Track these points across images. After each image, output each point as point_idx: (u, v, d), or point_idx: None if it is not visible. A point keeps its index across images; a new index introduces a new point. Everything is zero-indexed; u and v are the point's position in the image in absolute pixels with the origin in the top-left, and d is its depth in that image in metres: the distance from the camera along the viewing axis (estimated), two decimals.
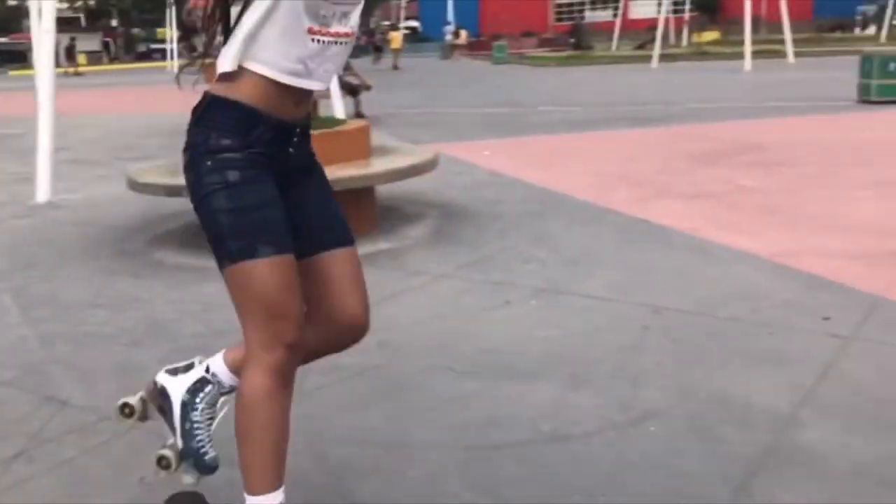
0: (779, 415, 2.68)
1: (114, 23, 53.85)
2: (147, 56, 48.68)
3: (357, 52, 34.38)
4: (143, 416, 2.16)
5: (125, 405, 2.16)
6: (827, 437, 2.53)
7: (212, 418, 1.99)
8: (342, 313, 1.92)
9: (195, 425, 1.97)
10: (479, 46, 43.63)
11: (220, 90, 1.75)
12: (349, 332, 1.98)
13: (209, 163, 1.73)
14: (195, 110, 1.81)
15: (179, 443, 2.00)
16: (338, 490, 2.34)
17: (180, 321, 3.78)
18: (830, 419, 2.64)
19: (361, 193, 5.18)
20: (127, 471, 2.45)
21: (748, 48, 23.11)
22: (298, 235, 1.80)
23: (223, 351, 2.06)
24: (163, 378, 2.08)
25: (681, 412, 2.72)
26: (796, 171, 7.18)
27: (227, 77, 1.74)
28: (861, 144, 8.72)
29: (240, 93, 1.73)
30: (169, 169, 5.30)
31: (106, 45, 50.09)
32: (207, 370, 2.03)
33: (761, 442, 2.50)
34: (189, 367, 2.07)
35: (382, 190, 5.73)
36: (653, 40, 29.88)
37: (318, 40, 1.72)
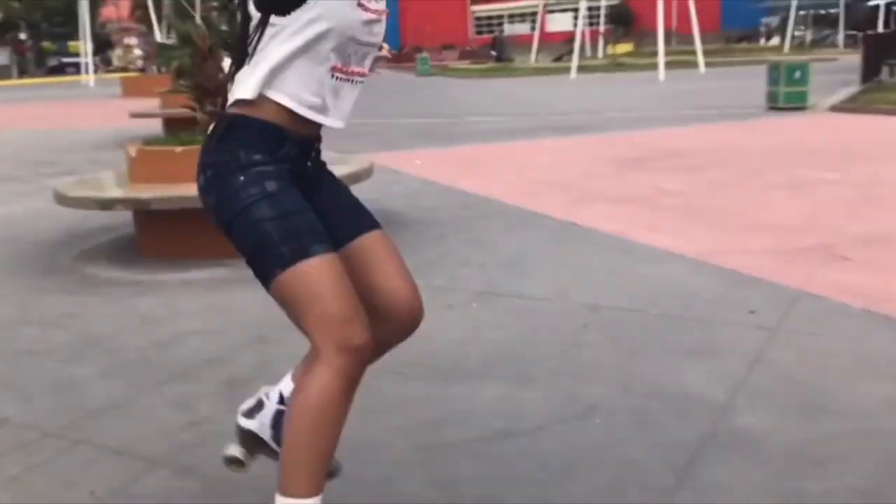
0: (715, 403, 2.81)
1: (22, 36, 51.91)
2: (60, 70, 47.16)
3: None
4: (252, 457, 2.08)
5: (232, 459, 2.08)
6: (760, 421, 2.67)
7: None
8: (395, 297, 1.89)
9: None
10: (401, 59, 43.78)
11: (243, 111, 1.75)
12: (407, 315, 1.94)
13: (242, 177, 1.72)
14: (214, 131, 1.80)
15: None
16: None
17: (119, 335, 3.71)
18: (762, 405, 2.79)
19: None
20: (74, 486, 2.40)
21: (662, 59, 23.90)
22: (332, 235, 1.79)
23: (289, 374, 2.00)
24: (244, 423, 2.04)
25: (623, 405, 2.83)
26: (714, 174, 7.49)
27: (244, 102, 1.74)
28: (772, 148, 9.15)
29: (265, 114, 1.74)
30: (98, 183, 5.19)
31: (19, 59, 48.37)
32: (281, 400, 1.98)
33: (700, 429, 2.63)
34: (260, 405, 2.03)
35: None
36: (570, 52, 30.59)
37: (339, 77, 1.78)
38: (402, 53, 45.21)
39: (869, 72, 16.97)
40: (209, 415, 2.87)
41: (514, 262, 4.73)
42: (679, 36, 40.78)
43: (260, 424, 2.01)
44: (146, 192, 4.72)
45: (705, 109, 13.63)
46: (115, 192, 4.80)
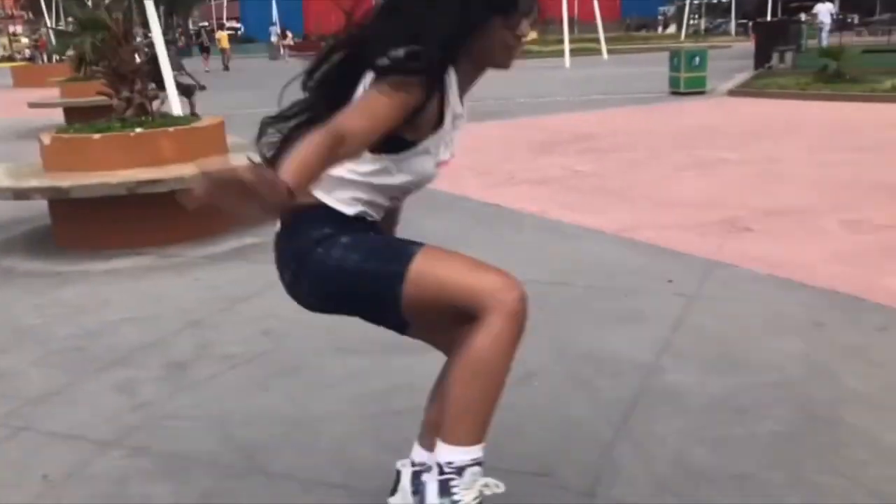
0: (643, 363, 3.00)
1: None
2: None
3: (184, 52, 32.97)
4: None
5: None
6: (685, 377, 2.87)
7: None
8: None
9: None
10: (306, 47, 43.20)
11: (324, 198, 1.74)
12: None
13: (320, 249, 1.71)
14: (284, 227, 1.79)
15: None
16: (250, 466, 2.40)
17: (48, 326, 3.63)
18: (687, 363, 2.99)
19: None
20: (26, 470, 2.39)
21: (567, 47, 24.44)
22: None
23: (416, 444, 1.97)
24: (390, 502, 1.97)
25: (559, 369, 2.99)
26: (624, 155, 7.79)
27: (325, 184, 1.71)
28: (677, 131, 9.56)
29: (346, 206, 1.76)
30: (10, 171, 5.02)
31: None
32: (413, 464, 1.94)
33: (632, 387, 2.81)
34: (397, 478, 1.98)
35: None
36: None
37: (394, 198, 1.84)
38: (306, 42, 44.63)
39: (761, 58, 17.86)
40: (153, 398, 2.88)
41: (442, 243, 4.79)
42: (581, 24, 41.74)
43: (402, 493, 1.95)
44: (65, 180, 4.60)
45: (611, 95, 14.07)
46: (32, 182, 4.66)
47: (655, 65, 16.07)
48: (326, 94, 1.73)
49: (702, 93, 13.65)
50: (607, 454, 2.39)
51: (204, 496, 2.24)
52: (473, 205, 5.83)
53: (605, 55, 26.53)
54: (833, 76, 13.89)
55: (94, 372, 3.11)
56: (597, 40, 27.37)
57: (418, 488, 1.85)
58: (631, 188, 6.26)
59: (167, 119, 5.67)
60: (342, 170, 1.69)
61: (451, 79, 1.71)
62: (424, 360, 3.09)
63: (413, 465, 1.93)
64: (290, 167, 1.38)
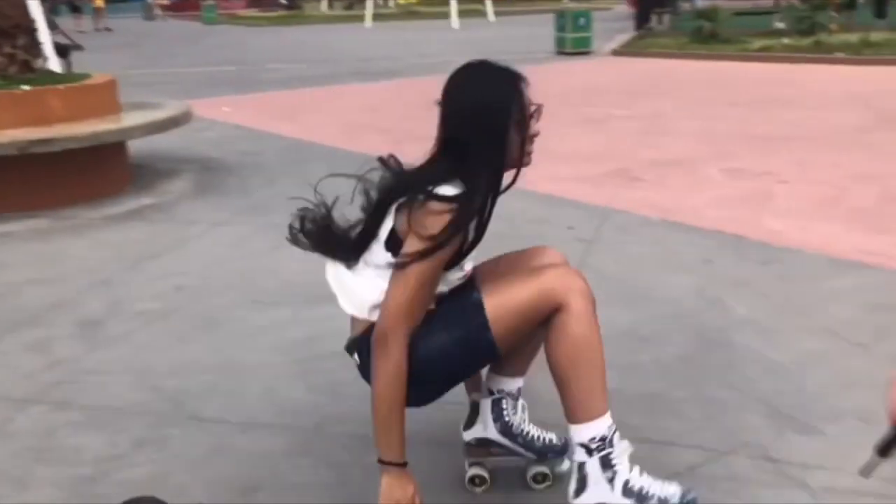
0: None
1: None
2: None
3: (56, 10, 30.90)
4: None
5: (475, 478, 2.05)
6: None
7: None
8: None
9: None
10: (183, 7, 41.49)
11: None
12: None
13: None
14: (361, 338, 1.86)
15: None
16: (181, 414, 2.43)
17: None
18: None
19: (113, 149, 4.99)
20: None
21: (454, 8, 24.50)
22: None
23: (490, 374, 2.01)
24: (467, 436, 2.03)
25: None
26: None
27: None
28: (567, 89, 9.85)
29: None
30: None
31: None
32: (491, 392, 1.99)
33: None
34: (474, 408, 2.03)
35: (128, 148, 5.53)
36: (361, 1, 30.47)
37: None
38: (183, 1, 42.81)
39: (641, 19, 18.48)
40: (70, 355, 2.84)
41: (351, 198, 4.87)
42: None
43: (483, 424, 2.02)
44: None
45: (501, 55, 14.02)
46: None
47: (541, 26, 16.39)
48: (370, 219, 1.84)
49: (587, 53, 14.05)
50: (530, 385, 2.54)
51: (138, 443, 2.26)
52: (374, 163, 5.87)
53: (490, 17, 26.77)
54: (708, 37, 14.56)
55: (3, 333, 3.02)
56: (482, 1, 27.56)
57: (500, 415, 1.98)
58: None
59: (56, 77, 5.42)
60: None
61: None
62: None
63: (492, 393, 2.01)
64: None
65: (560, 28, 14.27)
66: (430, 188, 1.68)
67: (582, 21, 14.11)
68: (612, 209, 4.47)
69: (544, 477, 2.04)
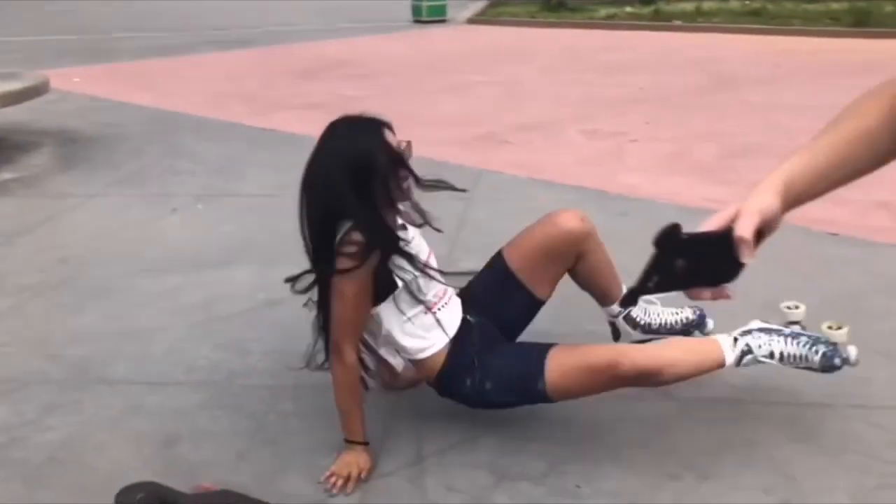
0: (440, 256, 3.38)
1: None
2: None
3: None
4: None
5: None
6: (476, 265, 3.29)
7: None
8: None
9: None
10: None
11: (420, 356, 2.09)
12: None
13: (468, 381, 2.06)
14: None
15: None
16: (87, 379, 2.47)
17: None
18: (474, 253, 3.39)
19: None
20: None
21: None
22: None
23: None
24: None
25: None
26: (384, 81, 8.12)
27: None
28: (428, 56, 10.04)
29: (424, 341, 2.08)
30: None
31: None
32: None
33: None
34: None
35: None
36: None
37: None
38: None
39: None
40: None
41: (225, 168, 4.89)
42: None
43: (625, 334, 2.43)
44: None
45: (358, 23, 14.26)
46: None
47: None
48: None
49: (443, 21, 14.27)
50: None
51: (47, 409, 2.29)
52: (246, 130, 5.86)
53: None
54: (557, 5, 15.13)
55: None
56: None
57: (635, 323, 2.40)
58: (396, 110, 6.50)
59: None
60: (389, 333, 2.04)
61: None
62: (238, 272, 3.27)
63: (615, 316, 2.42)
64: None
65: None
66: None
67: None
68: (484, 170, 4.73)
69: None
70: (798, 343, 2.03)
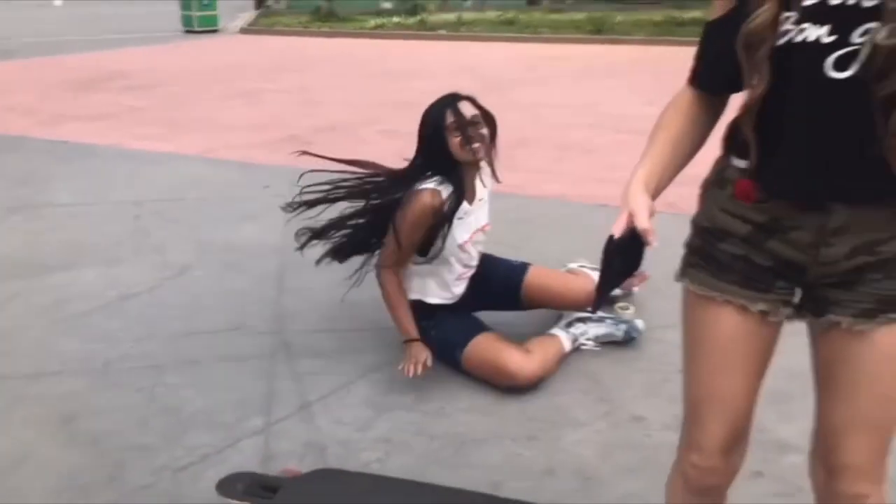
0: (276, 245, 3.67)
1: None
2: None
3: None
4: None
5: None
6: (314, 249, 3.63)
7: None
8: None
9: None
10: None
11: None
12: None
13: (424, 322, 2.56)
14: None
15: None
16: None
17: None
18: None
19: None
20: None
21: None
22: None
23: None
24: None
25: (210, 259, 3.52)
26: (169, 90, 8.09)
27: None
28: (209, 66, 10.05)
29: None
30: None
31: None
32: None
33: (276, 261, 3.48)
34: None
35: None
36: None
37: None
38: None
39: None
40: None
41: (28, 180, 4.80)
42: None
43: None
44: None
45: (126, 34, 13.79)
46: None
47: (163, 3, 16.04)
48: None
49: (215, 31, 14.19)
50: (280, 304, 3.06)
51: None
52: (40, 143, 5.71)
53: None
54: (327, 16, 15.57)
55: None
56: None
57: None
58: (191, 118, 6.70)
59: None
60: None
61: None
62: (81, 274, 3.36)
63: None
64: None
65: (186, 6, 14.18)
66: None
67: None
68: (294, 168, 5.02)
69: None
70: (606, 325, 2.74)
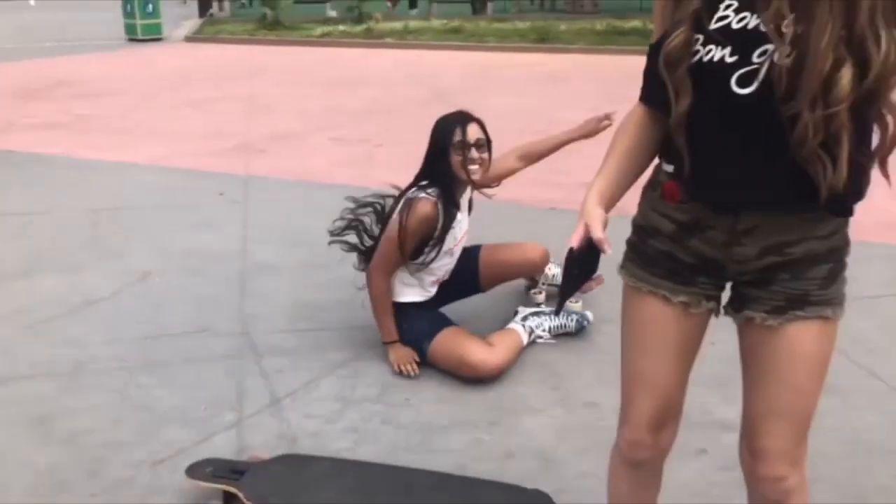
0: (236, 251, 3.76)
1: None
2: None
3: None
4: None
5: None
6: (272, 255, 3.72)
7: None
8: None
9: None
10: None
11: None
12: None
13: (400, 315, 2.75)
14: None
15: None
16: None
17: None
18: (266, 245, 3.84)
19: None
20: None
21: None
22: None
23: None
24: None
25: (170, 265, 3.58)
26: (118, 99, 8.05)
27: None
28: (156, 74, 10.00)
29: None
30: None
31: None
32: None
33: (236, 267, 3.56)
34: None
35: None
36: None
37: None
38: None
39: (204, 7, 18.78)
40: None
41: None
42: None
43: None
44: None
45: (66, 42, 13.59)
46: None
47: (105, 10, 15.82)
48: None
49: (159, 39, 14.06)
50: (243, 307, 3.15)
51: None
52: None
53: (32, 0, 24.58)
54: (273, 24, 15.55)
55: None
56: None
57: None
58: (141, 126, 6.70)
59: None
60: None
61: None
62: (41, 281, 3.39)
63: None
64: None
65: (129, 15, 14.02)
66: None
67: (150, 7, 14.04)
68: (250, 176, 5.11)
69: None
70: (559, 317, 2.93)
